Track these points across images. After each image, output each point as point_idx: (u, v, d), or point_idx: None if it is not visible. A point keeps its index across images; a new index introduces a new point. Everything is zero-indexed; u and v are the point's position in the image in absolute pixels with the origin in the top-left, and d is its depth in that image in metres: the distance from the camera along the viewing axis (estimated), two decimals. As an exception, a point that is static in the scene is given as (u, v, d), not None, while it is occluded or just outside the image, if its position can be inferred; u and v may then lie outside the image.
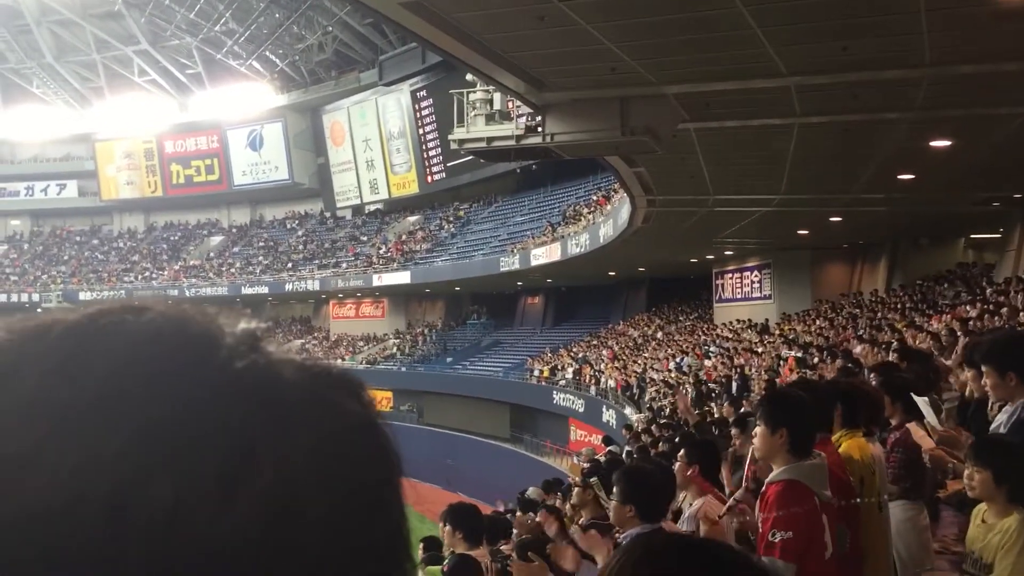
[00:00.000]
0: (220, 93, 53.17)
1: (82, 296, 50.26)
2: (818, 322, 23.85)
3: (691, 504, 5.91)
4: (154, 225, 60.37)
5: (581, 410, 30.28)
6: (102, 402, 0.44)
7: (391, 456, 0.52)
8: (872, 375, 6.71)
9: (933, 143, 12.95)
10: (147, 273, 54.49)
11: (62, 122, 57.51)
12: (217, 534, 0.43)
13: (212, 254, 56.00)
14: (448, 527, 5.90)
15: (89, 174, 58.36)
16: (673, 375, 25.33)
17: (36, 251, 59.06)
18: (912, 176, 15.45)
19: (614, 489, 4.43)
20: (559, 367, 33.95)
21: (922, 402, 5.60)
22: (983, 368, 4.51)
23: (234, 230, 58.28)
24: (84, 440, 0.43)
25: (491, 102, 13.42)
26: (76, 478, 0.42)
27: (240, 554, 0.43)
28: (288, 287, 48.15)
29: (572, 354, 34.80)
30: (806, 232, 23.94)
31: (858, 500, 4.56)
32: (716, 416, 14.03)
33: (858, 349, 14.91)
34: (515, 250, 35.95)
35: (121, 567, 0.42)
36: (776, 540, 3.63)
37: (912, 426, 5.74)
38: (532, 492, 12.29)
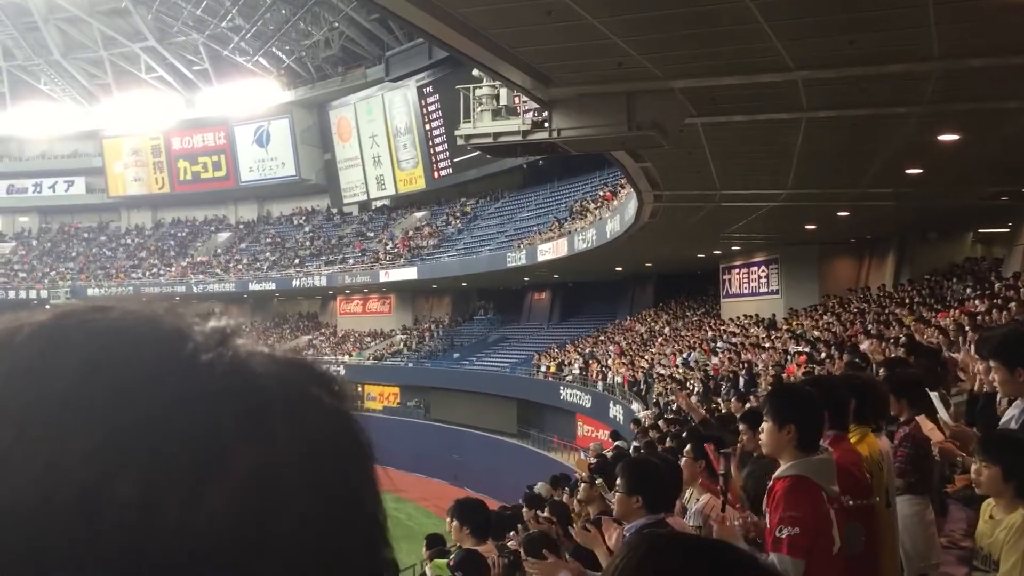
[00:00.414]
0: (227, 89, 53.24)
1: (90, 292, 50.40)
2: (825, 317, 23.79)
3: (697, 499, 5.91)
4: (161, 221, 60.53)
5: (588, 406, 30.26)
6: (68, 402, 0.44)
7: (365, 445, 0.52)
8: (880, 371, 6.69)
9: (941, 137, 12.89)
10: (155, 269, 54.65)
11: (70, 119, 57.69)
12: (191, 527, 0.43)
13: (219, 250, 56.11)
14: (455, 522, 5.91)
15: (97, 171, 58.50)
16: (680, 371, 25.30)
17: (44, 248, 59.25)
18: (920, 170, 15.40)
19: (617, 481, 4.43)
20: (566, 362, 33.94)
21: (935, 396, 5.58)
22: (991, 363, 4.50)
23: (241, 226, 58.38)
24: (52, 441, 0.43)
25: (497, 97, 13.40)
26: (45, 480, 0.42)
27: (217, 547, 0.43)
28: (295, 283, 48.21)
29: (579, 349, 34.79)
30: (813, 227, 23.88)
31: (875, 499, 4.53)
32: (723, 412, 14.02)
33: (865, 344, 14.87)
34: (522, 246, 35.93)
35: (97, 564, 0.42)
36: (783, 536, 3.63)
37: (921, 419, 5.72)
38: (540, 487, 12.32)
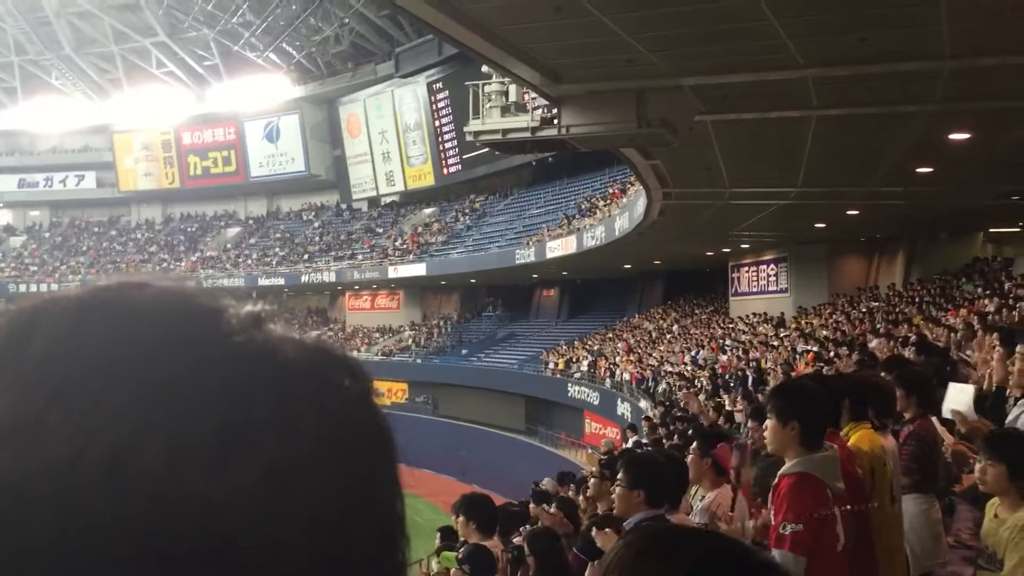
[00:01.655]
0: (237, 85, 53.35)
1: (100, 286, 50.52)
2: (834, 316, 23.74)
3: (703, 497, 5.92)
4: (171, 216, 60.70)
5: (596, 403, 30.28)
6: (103, 367, 0.46)
7: (385, 432, 0.53)
8: (883, 369, 6.68)
9: (952, 136, 12.84)
10: (165, 264, 54.81)
11: (81, 113, 57.85)
12: (213, 496, 0.44)
13: (229, 245, 56.26)
14: (462, 517, 5.93)
15: (107, 165, 58.72)
16: (689, 369, 25.28)
17: (55, 242, 59.49)
18: (930, 169, 15.34)
19: (619, 476, 4.44)
20: (574, 360, 33.94)
21: (958, 389, 5.56)
22: (1020, 350, 4.45)
23: (251, 221, 58.52)
24: (85, 403, 0.45)
25: (507, 94, 13.38)
26: (76, 439, 0.44)
27: (236, 516, 0.45)
28: (304, 279, 48.32)
29: (587, 347, 34.79)
30: (823, 225, 23.82)
31: (872, 504, 4.52)
32: (729, 409, 14.02)
33: (874, 343, 14.84)
34: (531, 243, 35.92)
35: (120, 525, 0.43)
36: (787, 532, 3.63)
37: (935, 420, 5.72)
38: (547, 484, 12.32)
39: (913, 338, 13.31)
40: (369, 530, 0.50)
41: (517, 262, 35.73)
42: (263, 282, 49.30)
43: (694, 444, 6.02)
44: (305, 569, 0.47)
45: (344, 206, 55.34)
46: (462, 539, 6.38)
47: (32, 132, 58.83)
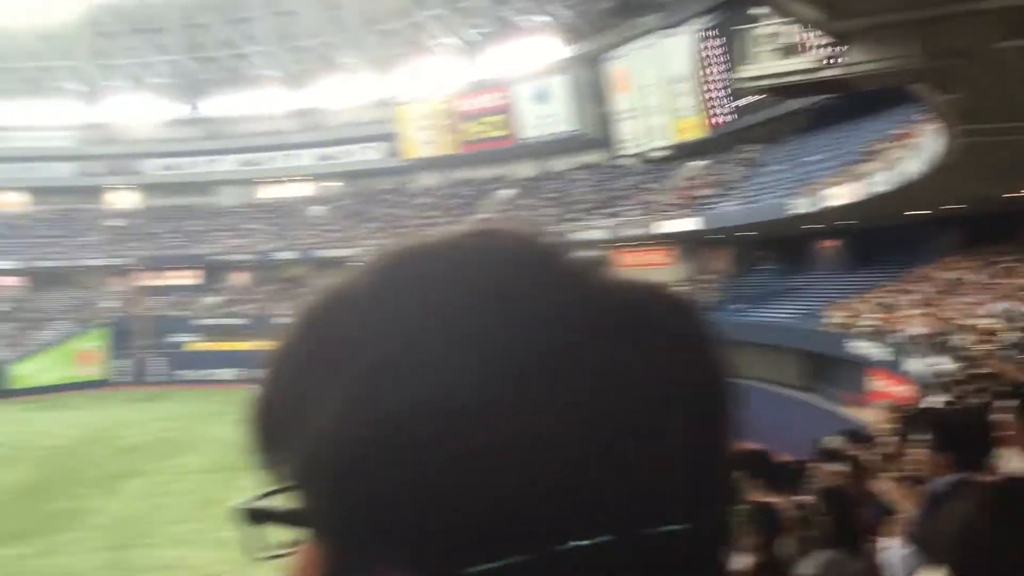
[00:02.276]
0: (508, 49, 55.27)
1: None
2: None
3: (1013, 462, 5.42)
4: (449, 181, 63.98)
5: (881, 359, 28.55)
6: (460, 317, 0.49)
7: (723, 382, 0.55)
8: None
9: None
10: (445, 227, 57.88)
11: (367, 89, 62.64)
12: (552, 433, 0.46)
13: (503, 207, 58.43)
14: (745, 475, 5.83)
15: (392, 136, 63.01)
16: (990, 322, 23.13)
17: (350, 210, 64.74)
18: None
19: (923, 436, 4.16)
20: (857, 313, 32.14)
21: None
22: None
23: (523, 183, 60.36)
24: (437, 355, 0.48)
25: (780, 36, 12.80)
26: (433, 387, 0.47)
27: (567, 456, 0.46)
28: (576, 236, 49.17)
29: (872, 300, 32.80)
30: None
31: None
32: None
33: None
34: (808, 191, 34.27)
35: (472, 461, 0.46)
36: None
37: None
38: (832, 441, 11.82)
39: None
40: (711, 479, 0.51)
41: (793, 212, 34.28)
42: (537, 241, 50.85)
43: (1007, 404, 5.51)
44: (620, 512, 0.48)
45: (613, 163, 55.58)
46: (746, 496, 6.28)
47: (327, 109, 64.50)
